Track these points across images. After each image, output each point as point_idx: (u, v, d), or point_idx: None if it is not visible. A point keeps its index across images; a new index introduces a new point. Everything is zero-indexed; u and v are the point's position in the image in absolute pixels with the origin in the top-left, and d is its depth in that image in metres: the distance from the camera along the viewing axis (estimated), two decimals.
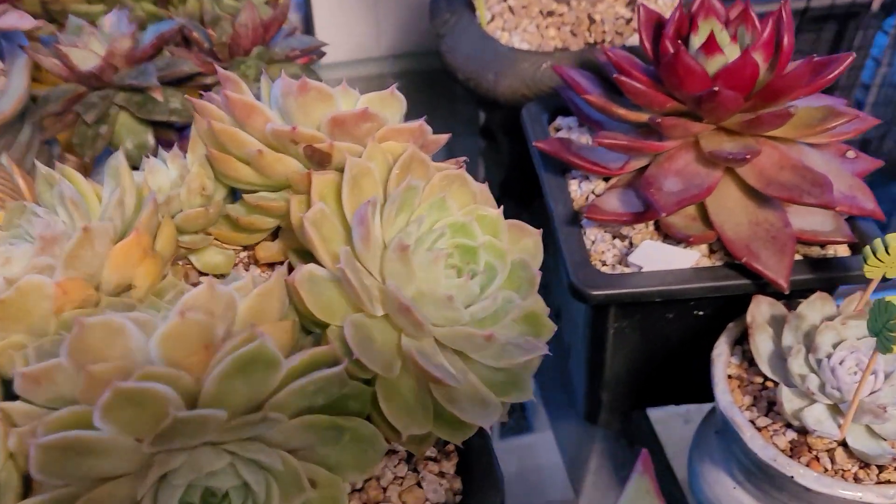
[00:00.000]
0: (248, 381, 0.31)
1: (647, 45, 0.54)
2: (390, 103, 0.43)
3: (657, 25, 0.55)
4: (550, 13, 0.75)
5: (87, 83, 0.53)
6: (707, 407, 0.58)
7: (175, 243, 0.41)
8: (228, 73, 0.42)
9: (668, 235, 0.52)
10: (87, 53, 0.52)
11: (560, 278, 0.54)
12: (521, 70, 0.71)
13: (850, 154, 0.57)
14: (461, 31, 0.76)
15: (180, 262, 0.45)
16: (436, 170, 0.41)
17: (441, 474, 0.39)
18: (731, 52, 0.51)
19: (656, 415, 0.68)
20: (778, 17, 0.51)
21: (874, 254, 0.45)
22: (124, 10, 0.56)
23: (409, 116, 0.45)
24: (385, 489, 0.38)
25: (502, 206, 0.41)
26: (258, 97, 0.43)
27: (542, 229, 0.42)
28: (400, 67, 1.04)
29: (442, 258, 0.37)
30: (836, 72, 0.50)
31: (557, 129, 0.65)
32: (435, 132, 0.44)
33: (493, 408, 0.37)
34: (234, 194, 0.45)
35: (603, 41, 0.73)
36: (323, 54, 0.60)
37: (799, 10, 0.92)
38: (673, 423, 0.67)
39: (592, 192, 0.57)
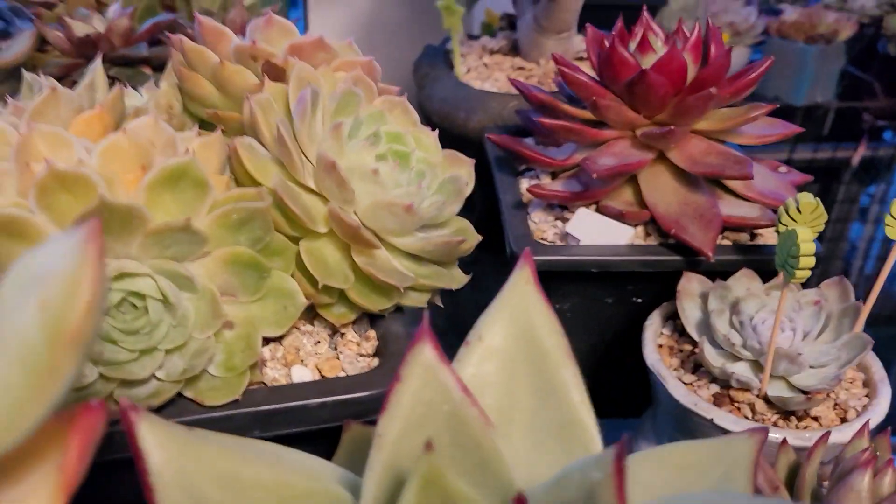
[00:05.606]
0: (176, 198, 0.34)
1: (592, 56, 0.60)
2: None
3: (601, 41, 0.61)
4: (521, 68, 0.83)
5: (84, 53, 0.58)
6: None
7: None
8: (206, 17, 0.48)
9: (606, 216, 0.56)
10: (88, 28, 0.58)
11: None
12: (490, 108, 0.77)
13: (782, 169, 0.61)
14: (439, 81, 0.83)
15: None
16: (380, 94, 0.45)
17: (359, 354, 0.40)
18: (663, 52, 0.56)
19: None
20: (707, 27, 0.57)
21: (786, 211, 0.48)
22: (129, 8, 0.62)
23: None
24: (303, 360, 0.39)
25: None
26: None
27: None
28: None
29: (374, 146, 0.40)
30: (759, 71, 0.55)
31: None
32: None
33: (409, 280, 0.39)
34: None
35: None
36: None
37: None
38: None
39: None
